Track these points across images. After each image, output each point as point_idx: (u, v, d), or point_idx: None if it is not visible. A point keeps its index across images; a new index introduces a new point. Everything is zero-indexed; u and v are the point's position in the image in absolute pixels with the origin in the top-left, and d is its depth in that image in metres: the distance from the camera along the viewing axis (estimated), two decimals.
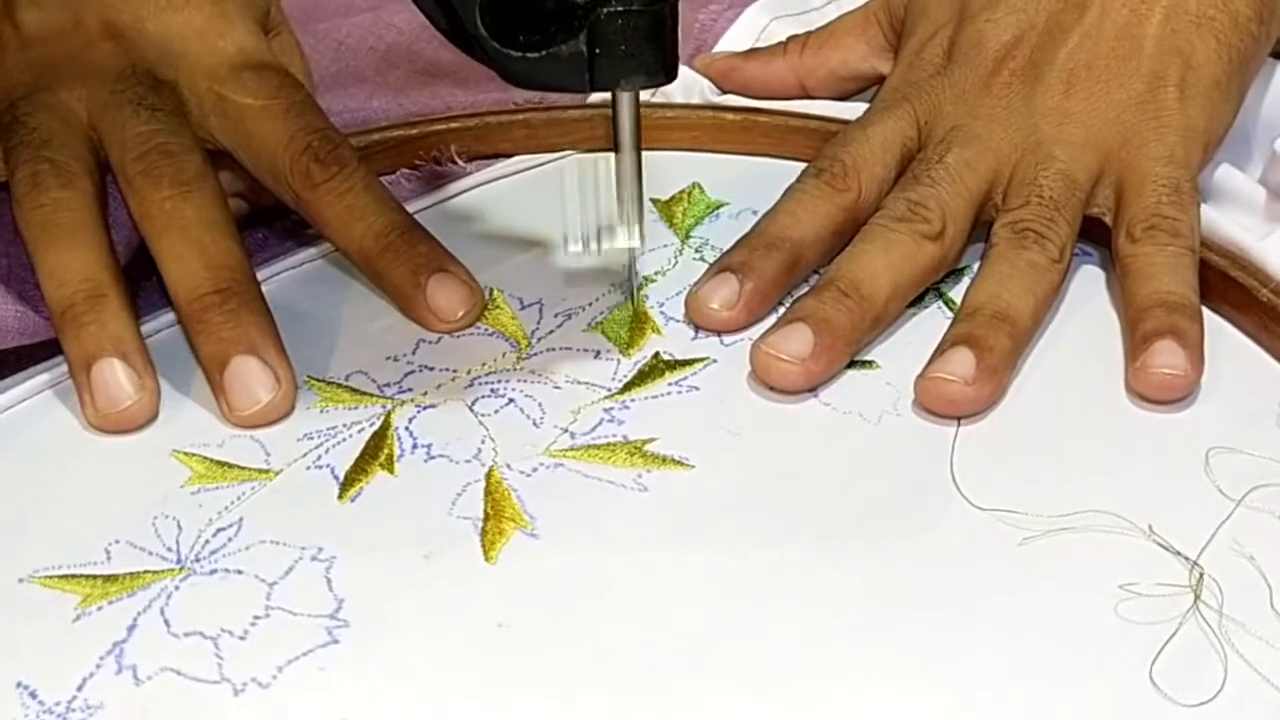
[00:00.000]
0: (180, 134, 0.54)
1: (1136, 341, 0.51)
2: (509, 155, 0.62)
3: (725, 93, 0.64)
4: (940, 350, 0.50)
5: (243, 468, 0.48)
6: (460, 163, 0.61)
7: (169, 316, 0.53)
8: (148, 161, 0.53)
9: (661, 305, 0.55)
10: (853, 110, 0.60)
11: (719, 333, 0.53)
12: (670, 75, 0.47)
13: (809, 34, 0.63)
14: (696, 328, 0.53)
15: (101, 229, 0.53)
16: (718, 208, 0.59)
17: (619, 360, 0.52)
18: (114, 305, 0.51)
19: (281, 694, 0.41)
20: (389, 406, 0.50)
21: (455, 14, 0.46)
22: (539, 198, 0.59)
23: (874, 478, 0.47)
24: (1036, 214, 0.54)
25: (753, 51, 0.64)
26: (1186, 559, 0.44)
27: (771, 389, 0.50)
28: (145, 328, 0.52)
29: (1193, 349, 0.50)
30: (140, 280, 0.54)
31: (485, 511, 0.46)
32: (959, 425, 0.49)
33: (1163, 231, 0.53)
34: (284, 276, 0.55)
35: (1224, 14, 0.56)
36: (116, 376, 0.49)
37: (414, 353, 0.52)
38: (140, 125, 0.54)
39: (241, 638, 0.42)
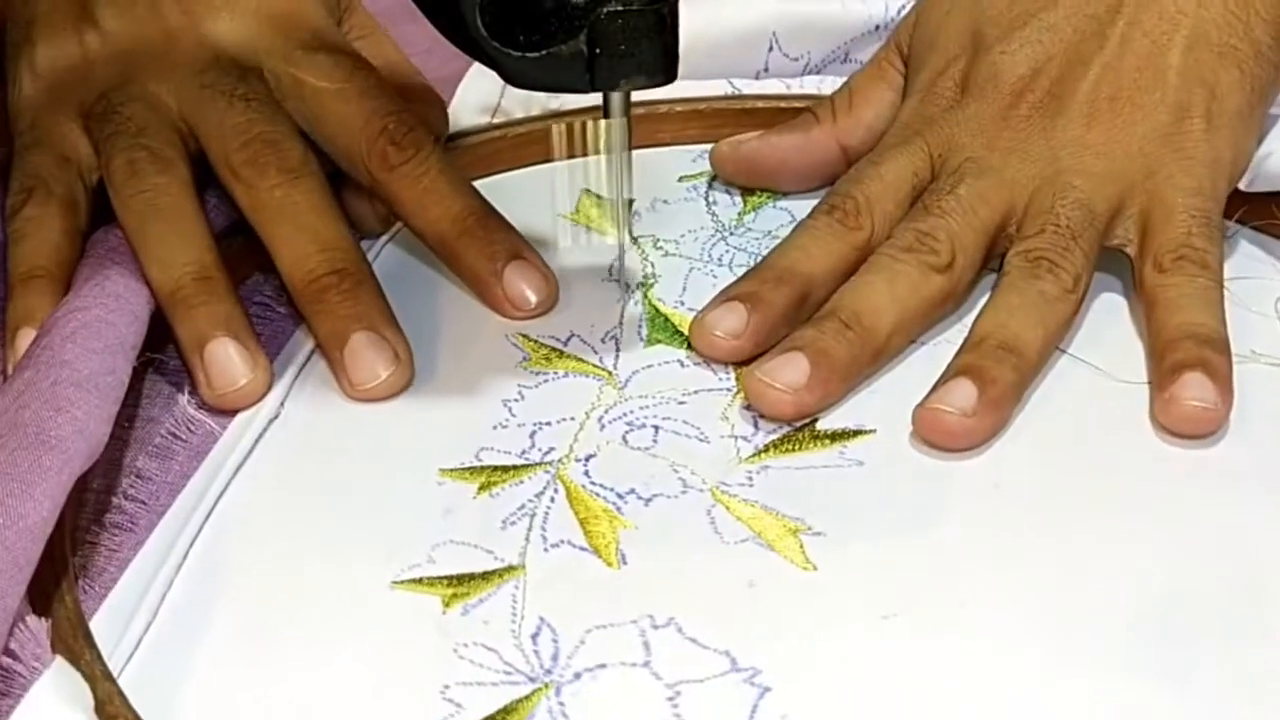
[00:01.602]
0: (278, 121, 0.54)
1: (1164, 372, 0.50)
2: None
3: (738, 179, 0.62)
4: (943, 380, 0.49)
5: (491, 572, 0.45)
6: None
7: None
8: (251, 151, 0.53)
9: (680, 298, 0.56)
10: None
11: (722, 361, 0.52)
12: (670, 75, 0.47)
13: (832, 99, 0.60)
14: (702, 357, 0.53)
15: (201, 214, 0.53)
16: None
17: (693, 360, 0.53)
18: (221, 287, 0.51)
19: None
20: (552, 470, 0.48)
21: (455, 14, 0.46)
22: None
23: None
24: (1052, 243, 0.52)
25: (776, 130, 0.61)
26: None
27: (759, 415, 0.50)
28: None
29: (1222, 383, 0.49)
30: None
31: (753, 530, 0.46)
32: None
33: (1192, 263, 0.52)
34: (300, 384, 0.52)
35: (1246, 43, 0.55)
36: (230, 356, 0.50)
37: (514, 415, 0.50)
38: (237, 116, 0.54)
39: None
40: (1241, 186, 0.57)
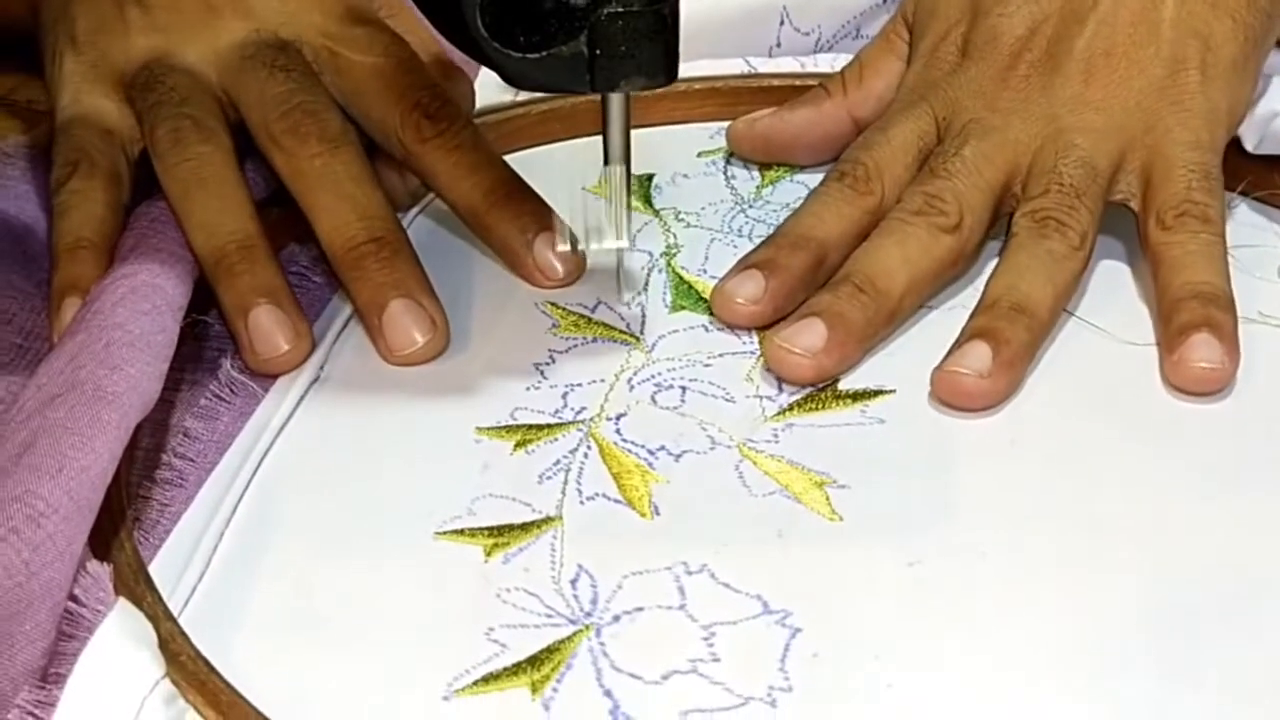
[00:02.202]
0: (317, 92, 0.56)
1: (1172, 334, 0.51)
2: None
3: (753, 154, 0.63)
4: (958, 343, 0.51)
5: (530, 524, 0.47)
6: None
7: None
8: (291, 120, 0.55)
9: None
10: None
11: (743, 327, 0.54)
12: (670, 76, 0.47)
13: (843, 73, 0.62)
14: (722, 323, 0.54)
15: (244, 183, 0.54)
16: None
17: (716, 326, 0.54)
18: (264, 254, 0.53)
19: None
20: (585, 428, 0.50)
21: (455, 14, 0.46)
22: None
23: None
24: (1057, 202, 0.54)
25: (789, 105, 0.62)
26: None
27: (780, 380, 0.51)
28: None
29: (1228, 341, 0.50)
30: None
31: (780, 483, 0.47)
32: None
33: (1194, 218, 0.53)
34: (339, 348, 0.54)
35: None
36: (273, 322, 0.51)
37: (546, 377, 0.52)
38: (278, 86, 0.55)
39: None
40: (1249, 148, 0.58)
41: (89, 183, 0.55)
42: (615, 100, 0.49)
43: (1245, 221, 0.59)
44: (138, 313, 0.48)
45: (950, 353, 0.51)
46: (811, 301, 0.52)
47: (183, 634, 0.41)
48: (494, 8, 0.45)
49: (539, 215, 0.56)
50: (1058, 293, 0.52)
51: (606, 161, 0.51)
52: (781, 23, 0.68)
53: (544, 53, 0.46)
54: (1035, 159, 0.55)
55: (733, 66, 0.67)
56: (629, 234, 0.52)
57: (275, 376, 0.52)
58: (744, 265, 0.54)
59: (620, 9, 0.45)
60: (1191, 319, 0.51)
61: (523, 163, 0.62)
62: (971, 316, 0.52)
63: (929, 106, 0.57)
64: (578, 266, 0.56)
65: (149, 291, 0.49)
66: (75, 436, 0.43)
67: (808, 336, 0.51)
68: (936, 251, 0.53)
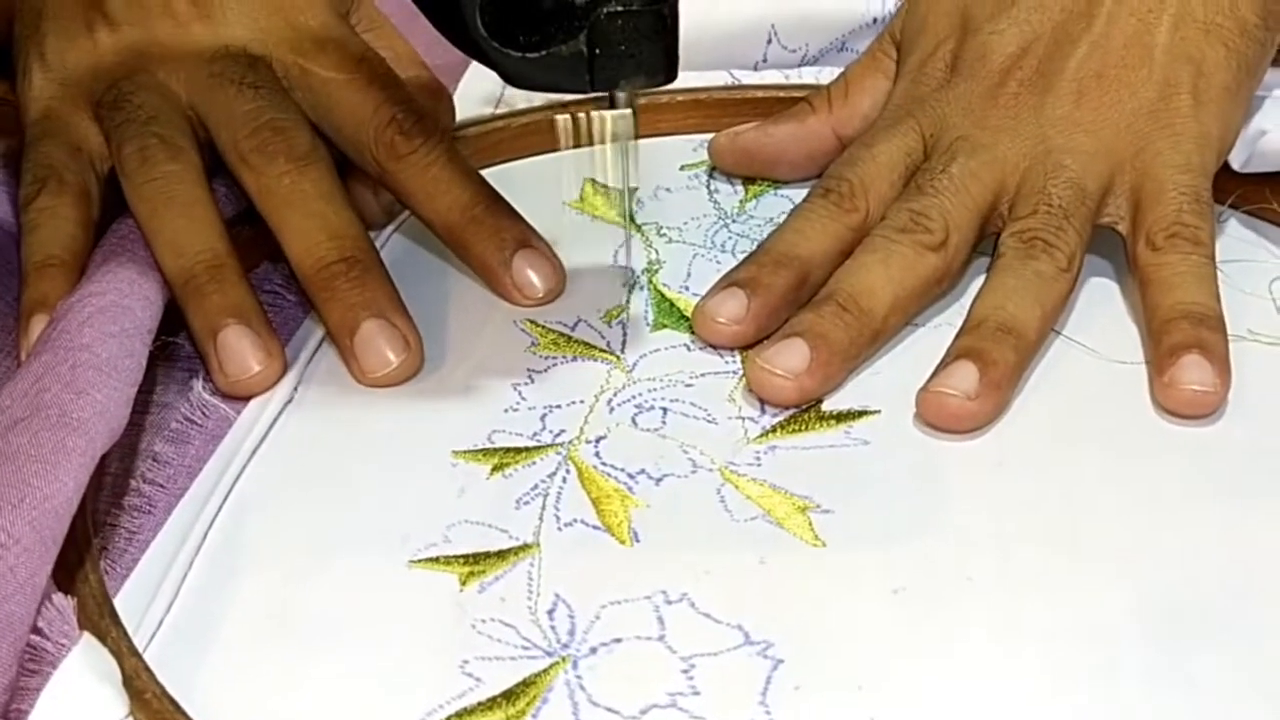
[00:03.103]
0: (286, 109, 0.55)
1: (1162, 355, 0.50)
2: None
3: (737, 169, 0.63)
4: (944, 363, 0.50)
5: (506, 551, 0.46)
6: None
7: None
8: (260, 138, 0.54)
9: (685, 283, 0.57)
10: None
11: (726, 347, 0.53)
12: (670, 76, 0.47)
13: (828, 89, 0.61)
14: (704, 343, 0.53)
15: (213, 202, 0.53)
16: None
17: (698, 345, 0.53)
18: (234, 274, 0.52)
19: None
20: (564, 451, 0.49)
21: (455, 14, 0.46)
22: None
23: None
24: (1045, 223, 0.53)
25: (772, 120, 0.62)
26: None
27: (763, 402, 0.50)
28: None
29: (1220, 363, 0.50)
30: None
31: (762, 508, 0.47)
32: None
33: (1185, 240, 0.53)
34: (312, 370, 0.53)
35: (1231, 21, 0.56)
36: (244, 343, 0.50)
37: (525, 399, 0.51)
38: (246, 104, 0.54)
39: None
40: (1236, 167, 0.58)
41: (58, 200, 0.54)
42: (621, 95, 0.49)
43: (1235, 236, 0.59)
44: (105, 335, 0.47)
45: (936, 373, 0.50)
46: (794, 321, 0.52)
47: (148, 670, 0.40)
48: (493, 7, 0.45)
49: (518, 232, 0.55)
50: (1045, 314, 0.52)
51: (613, 139, 0.51)
52: (769, 40, 0.67)
53: (543, 52, 0.46)
54: (1024, 179, 0.55)
55: (717, 79, 0.67)
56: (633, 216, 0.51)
57: (247, 399, 0.51)
58: (726, 283, 0.53)
59: (620, 8, 0.45)
60: (1183, 339, 0.50)
61: (502, 176, 0.61)
62: (957, 336, 0.51)
63: (916, 123, 0.57)
64: (558, 284, 0.55)
65: (117, 313, 0.48)
66: (39, 464, 0.42)
67: (790, 357, 0.50)
68: (921, 269, 0.53)
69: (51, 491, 0.41)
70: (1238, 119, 0.57)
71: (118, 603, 0.43)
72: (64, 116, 0.56)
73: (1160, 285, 0.52)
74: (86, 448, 0.43)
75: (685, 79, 0.63)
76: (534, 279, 0.55)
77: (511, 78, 0.47)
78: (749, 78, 0.67)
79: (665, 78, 0.47)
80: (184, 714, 0.39)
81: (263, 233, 0.55)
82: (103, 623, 0.41)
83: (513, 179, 0.62)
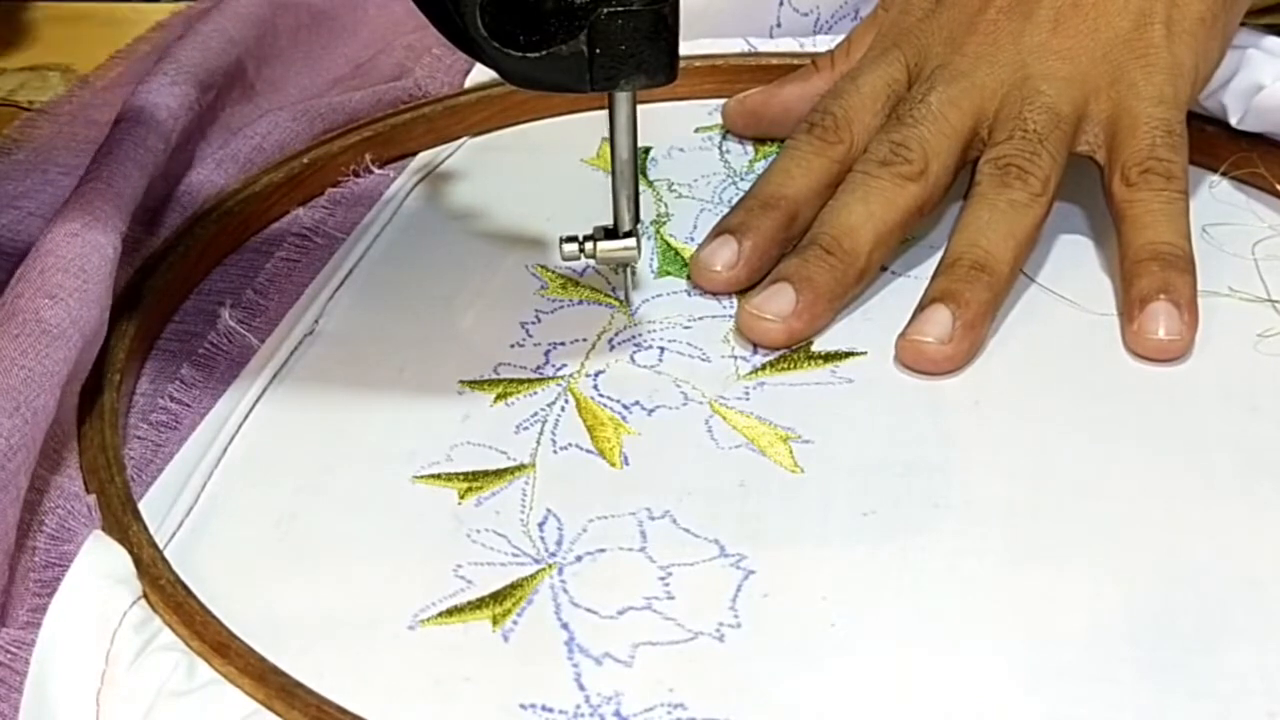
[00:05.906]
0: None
1: (1131, 303, 0.52)
2: (414, 154, 0.64)
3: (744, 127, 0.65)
4: (921, 306, 0.52)
5: (504, 470, 0.48)
6: (375, 170, 0.63)
7: None
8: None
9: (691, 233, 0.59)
10: None
11: (724, 294, 0.55)
12: (670, 75, 0.47)
13: (831, 52, 0.63)
14: (703, 291, 0.56)
15: None
16: None
17: (698, 290, 0.56)
18: None
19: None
20: (564, 383, 0.52)
21: (455, 14, 0.46)
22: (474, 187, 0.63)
23: None
24: (1020, 148, 0.54)
25: (778, 82, 0.64)
26: None
27: (755, 345, 0.53)
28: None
29: (1186, 306, 0.52)
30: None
31: (747, 437, 0.49)
32: None
33: (1158, 175, 0.54)
34: (333, 305, 0.56)
35: None
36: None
37: (531, 336, 0.54)
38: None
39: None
40: (1233, 122, 0.60)
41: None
42: (622, 101, 0.49)
43: (1225, 200, 0.61)
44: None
45: (913, 318, 0.52)
46: (780, 267, 0.54)
47: (164, 560, 0.43)
48: (494, 7, 0.45)
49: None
50: (1019, 244, 0.53)
51: (613, 152, 0.50)
52: (781, 3, 0.70)
53: (544, 52, 0.46)
54: (1001, 105, 0.56)
55: (733, 46, 0.69)
56: (638, 234, 0.52)
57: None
58: (718, 231, 0.56)
59: (620, 8, 0.45)
60: (1151, 284, 0.52)
61: (522, 136, 0.64)
62: (934, 277, 0.54)
63: (900, 53, 0.59)
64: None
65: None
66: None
67: (777, 302, 0.53)
68: (901, 201, 0.54)
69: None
70: (1214, 50, 0.58)
71: (141, 505, 0.46)
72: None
73: (1133, 223, 0.54)
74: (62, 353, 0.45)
75: (702, 46, 0.67)
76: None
77: (512, 78, 0.47)
78: (765, 45, 0.70)
79: (666, 78, 0.47)
80: (195, 599, 0.42)
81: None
82: (125, 519, 0.44)
83: (533, 137, 0.65)
